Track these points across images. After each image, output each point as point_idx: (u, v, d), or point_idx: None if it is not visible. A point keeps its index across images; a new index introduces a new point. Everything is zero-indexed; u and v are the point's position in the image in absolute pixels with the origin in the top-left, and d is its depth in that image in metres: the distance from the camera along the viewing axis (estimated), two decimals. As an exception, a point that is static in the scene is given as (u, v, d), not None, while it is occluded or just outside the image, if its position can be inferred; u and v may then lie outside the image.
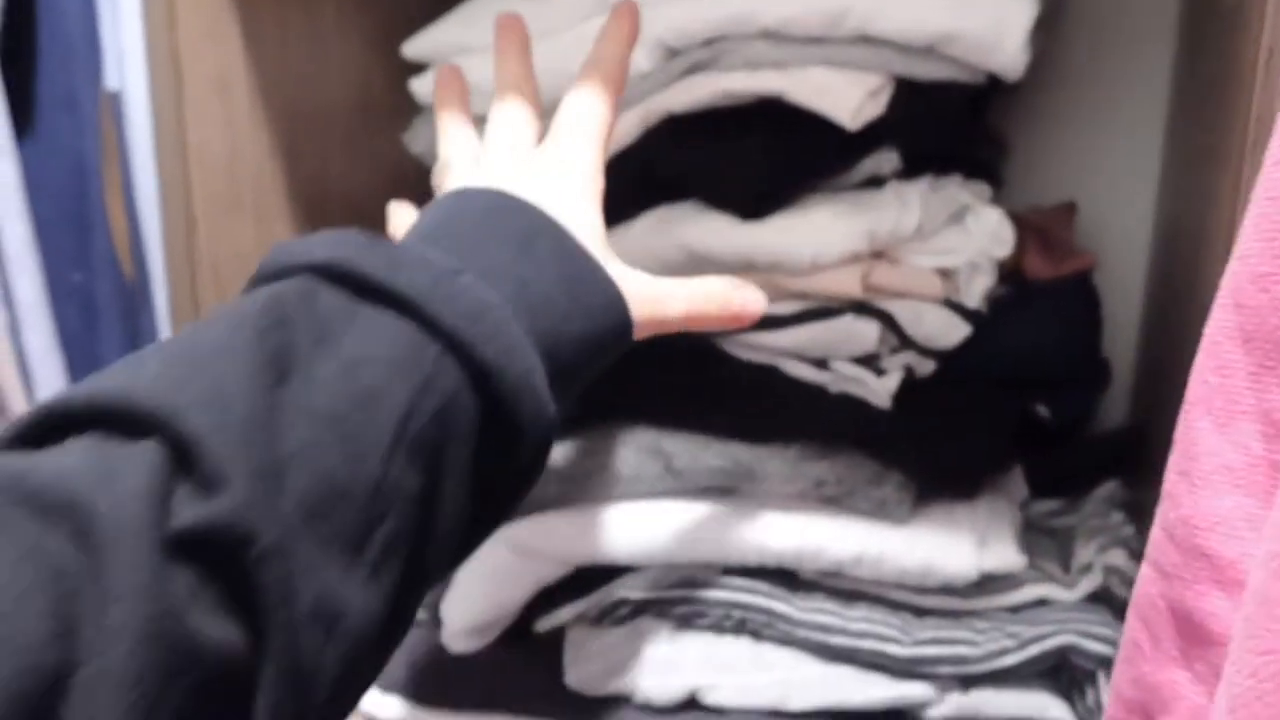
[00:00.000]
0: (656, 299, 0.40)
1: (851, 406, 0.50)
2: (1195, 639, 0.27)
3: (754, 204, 0.52)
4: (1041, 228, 0.59)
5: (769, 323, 0.51)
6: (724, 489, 0.53)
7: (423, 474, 0.31)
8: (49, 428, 0.27)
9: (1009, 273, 0.56)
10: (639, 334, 0.39)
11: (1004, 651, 0.47)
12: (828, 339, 0.51)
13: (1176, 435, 0.27)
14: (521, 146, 0.42)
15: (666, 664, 0.50)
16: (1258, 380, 0.25)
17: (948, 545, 0.49)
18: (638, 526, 0.52)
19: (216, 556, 0.26)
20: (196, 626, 0.25)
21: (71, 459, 0.26)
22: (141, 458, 0.26)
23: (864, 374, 0.50)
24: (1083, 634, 0.47)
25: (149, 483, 0.26)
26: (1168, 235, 0.64)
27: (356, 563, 0.29)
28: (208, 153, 0.52)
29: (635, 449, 0.53)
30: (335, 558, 0.28)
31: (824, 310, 0.51)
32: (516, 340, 0.33)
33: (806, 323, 0.51)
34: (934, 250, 0.51)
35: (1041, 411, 0.57)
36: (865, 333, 0.50)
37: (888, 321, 0.50)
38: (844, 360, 0.51)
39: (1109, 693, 0.31)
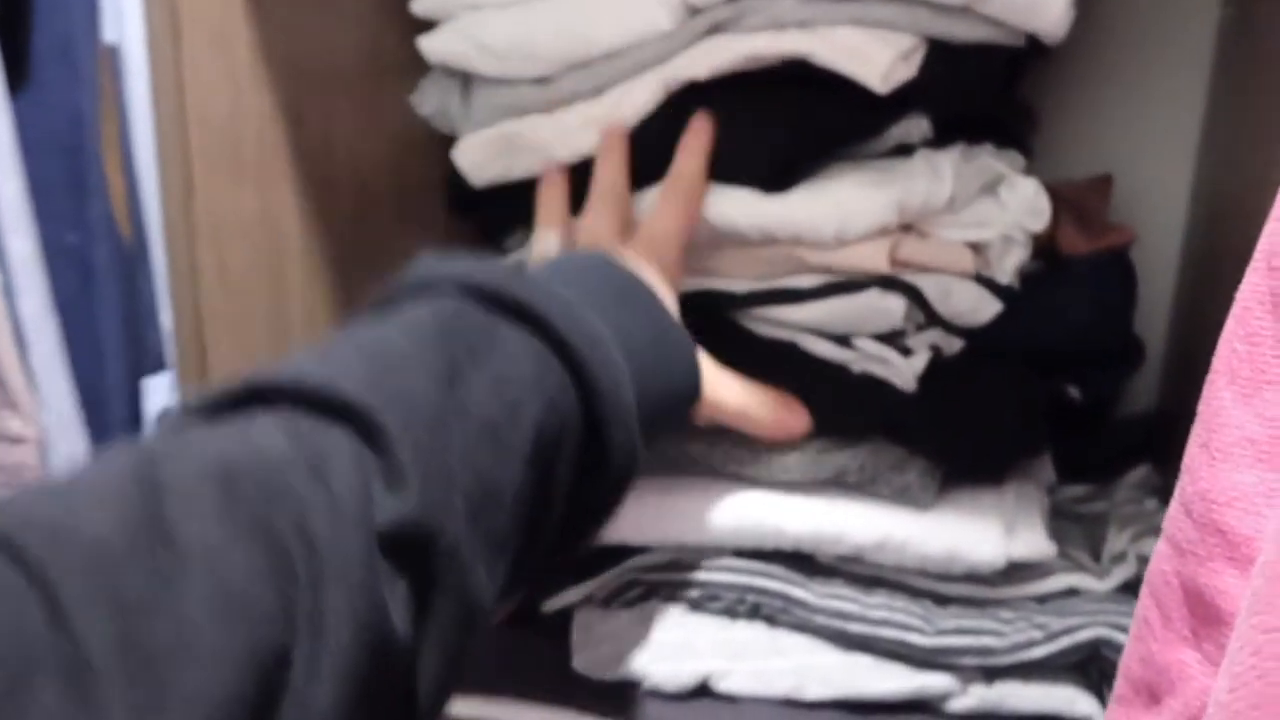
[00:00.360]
0: (718, 382, 0.44)
1: (874, 387, 0.48)
2: (1205, 618, 0.25)
3: (777, 174, 0.50)
4: (1076, 201, 0.56)
5: (789, 296, 0.49)
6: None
7: (540, 485, 0.34)
8: (246, 399, 0.30)
9: (1042, 247, 0.53)
10: (699, 409, 0.43)
11: (1031, 643, 0.45)
12: (851, 314, 0.48)
13: (1200, 406, 0.26)
14: (608, 247, 0.46)
15: (678, 649, 0.49)
16: None
17: (974, 532, 0.47)
18: (649, 506, 0.50)
19: (410, 553, 0.28)
20: (391, 616, 0.27)
21: (281, 442, 0.28)
22: (345, 449, 0.28)
23: (888, 353, 0.48)
24: (1115, 626, 0.45)
25: (356, 477, 0.28)
26: (1207, 211, 0.62)
27: (494, 561, 0.32)
28: (207, 111, 0.50)
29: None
30: (483, 556, 0.31)
31: (848, 284, 0.48)
32: (623, 374, 0.36)
33: (829, 297, 0.49)
34: (965, 223, 0.49)
35: (1072, 392, 0.55)
36: (891, 308, 0.47)
37: (914, 296, 0.48)
38: (867, 338, 0.49)
39: (1119, 671, 0.30)
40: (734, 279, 0.51)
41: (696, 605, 0.50)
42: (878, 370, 0.48)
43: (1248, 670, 0.21)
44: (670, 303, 0.44)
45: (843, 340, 0.49)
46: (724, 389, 0.45)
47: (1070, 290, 0.52)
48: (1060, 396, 0.56)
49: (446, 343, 0.32)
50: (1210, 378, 0.26)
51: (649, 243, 0.46)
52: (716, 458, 0.50)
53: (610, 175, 0.50)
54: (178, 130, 0.49)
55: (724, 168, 0.52)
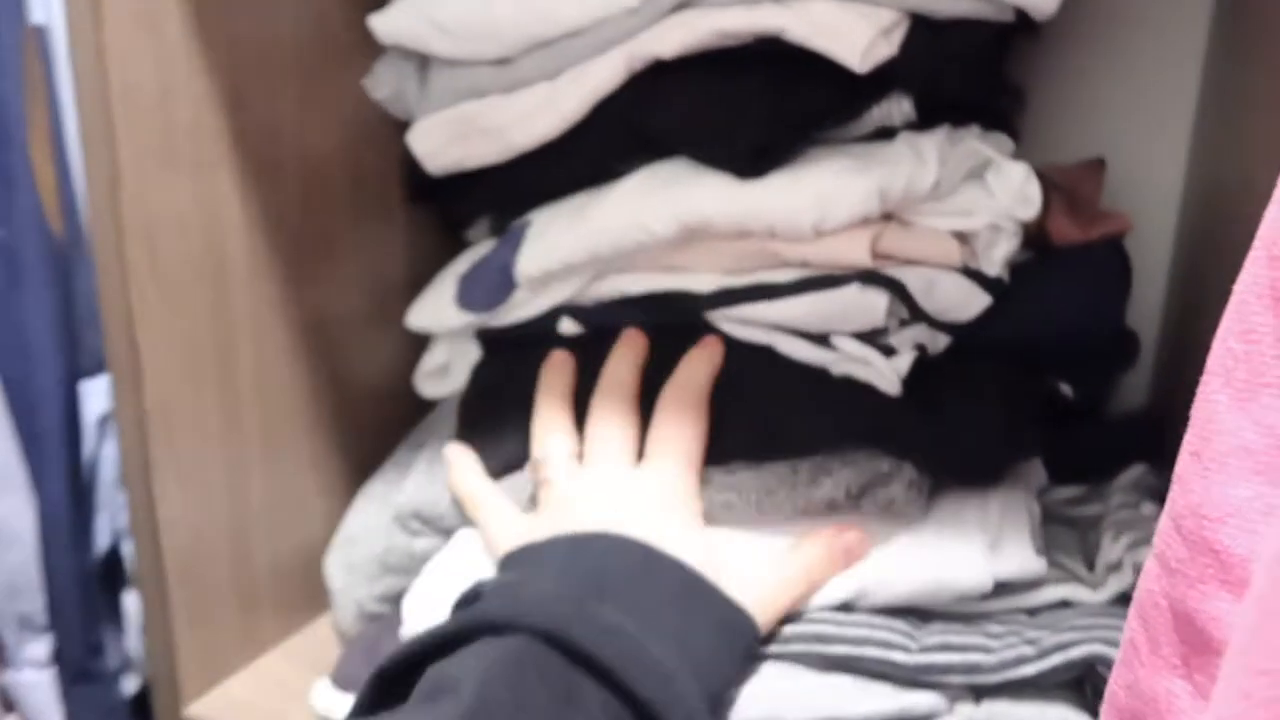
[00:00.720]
0: (774, 596, 0.44)
1: (856, 390, 0.45)
2: (1197, 646, 0.23)
3: (751, 160, 0.46)
4: (1068, 186, 0.53)
5: (762, 293, 0.46)
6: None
7: None
8: None
9: (1032, 236, 0.50)
10: (764, 630, 0.43)
11: (1022, 660, 0.43)
12: (830, 311, 0.45)
13: (1192, 410, 0.23)
14: (623, 465, 0.47)
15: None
16: None
17: (957, 554, 0.44)
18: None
19: None
20: None
21: None
22: None
23: (870, 353, 0.45)
24: (1110, 642, 0.42)
25: None
26: (1203, 195, 0.59)
27: None
28: (134, 94, 0.46)
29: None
30: None
31: (826, 279, 0.45)
32: (695, 700, 0.38)
33: (805, 293, 0.46)
34: (951, 211, 0.46)
35: (1064, 389, 0.52)
36: (873, 304, 0.44)
37: (897, 291, 0.45)
38: (848, 337, 0.45)
39: (1105, 698, 0.27)
40: (701, 275, 0.48)
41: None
42: (859, 372, 0.45)
43: (1238, 715, 0.18)
44: (703, 545, 0.45)
45: (821, 340, 0.46)
46: (780, 597, 0.44)
47: (1063, 282, 0.49)
48: (1052, 393, 0.53)
49: (525, 706, 0.35)
50: (1204, 379, 0.23)
51: (665, 458, 0.46)
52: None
53: (621, 377, 0.49)
54: (101, 114, 0.45)
55: (696, 152, 0.49)
